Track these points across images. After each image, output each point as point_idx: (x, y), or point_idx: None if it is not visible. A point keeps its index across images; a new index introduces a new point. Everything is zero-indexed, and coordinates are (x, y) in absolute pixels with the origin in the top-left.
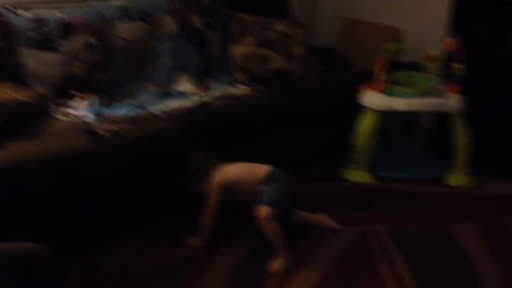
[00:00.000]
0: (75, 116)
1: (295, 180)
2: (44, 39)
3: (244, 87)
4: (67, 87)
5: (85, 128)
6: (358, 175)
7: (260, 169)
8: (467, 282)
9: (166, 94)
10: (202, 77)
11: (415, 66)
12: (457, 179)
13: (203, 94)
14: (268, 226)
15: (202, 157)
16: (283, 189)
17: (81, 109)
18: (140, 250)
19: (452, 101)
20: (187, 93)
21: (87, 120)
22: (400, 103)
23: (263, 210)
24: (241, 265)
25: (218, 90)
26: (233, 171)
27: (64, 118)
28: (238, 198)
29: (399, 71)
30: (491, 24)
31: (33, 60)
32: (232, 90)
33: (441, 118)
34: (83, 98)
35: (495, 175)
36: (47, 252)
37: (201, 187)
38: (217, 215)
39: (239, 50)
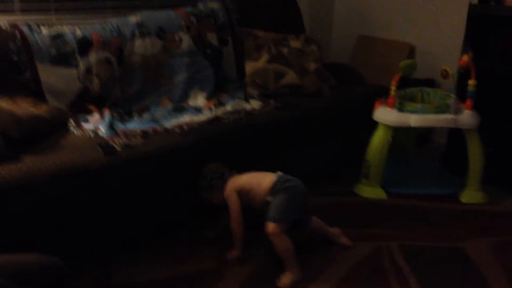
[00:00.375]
0: (89, 130)
1: (304, 186)
2: (63, 55)
3: (258, 102)
4: (83, 102)
5: (98, 142)
6: (370, 191)
7: (266, 179)
8: None
9: (181, 109)
10: (216, 93)
11: (430, 82)
12: (471, 196)
13: (216, 109)
14: (277, 241)
15: (216, 167)
16: (289, 200)
17: (95, 123)
18: (151, 263)
19: (465, 117)
20: (201, 108)
21: (100, 133)
22: (412, 119)
23: (270, 226)
24: (251, 280)
25: (231, 105)
26: (243, 179)
27: (79, 132)
28: (252, 206)
29: (413, 87)
30: (507, 40)
31: (51, 75)
32: (245, 105)
33: (455, 134)
34: (98, 113)
35: (509, 192)
36: (58, 264)
37: (217, 197)
38: (242, 219)
39: (253, 66)
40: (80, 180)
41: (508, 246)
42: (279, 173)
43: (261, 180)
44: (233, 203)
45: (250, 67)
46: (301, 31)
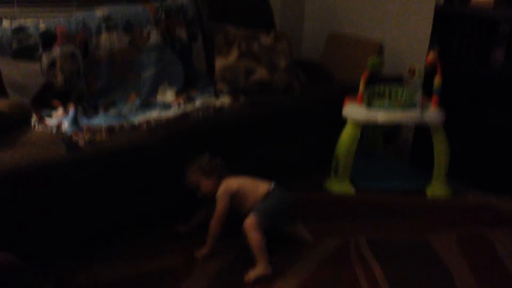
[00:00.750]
0: (52, 125)
1: (292, 199)
2: (25, 49)
3: (227, 98)
4: (47, 97)
5: (61, 137)
6: (340, 186)
7: (262, 186)
8: None
9: (149, 104)
10: (185, 88)
11: (398, 80)
12: (436, 190)
13: (185, 105)
14: (250, 234)
15: (221, 161)
16: (277, 205)
17: (59, 119)
18: (115, 261)
19: (431, 114)
20: (169, 104)
21: (63, 129)
22: (380, 116)
23: (250, 218)
24: (220, 275)
25: (200, 101)
26: (240, 182)
27: (41, 128)
28: (239, 210)
29: (381, 84)
30: (473, 38)
31: (13, 69)
32: (215, 101)
33: (422, 130)
34: (62, 108)
35: (473, 186)
36: (15, 262)
37: (206, 185)
38: (224, 221)
39: (223, 62)
40: (41, 176)
41: (471, 238)
42: (274, 182)
43: (257, 186)
44: (223, 206)
45: (220, 63)
46: (272, 27)
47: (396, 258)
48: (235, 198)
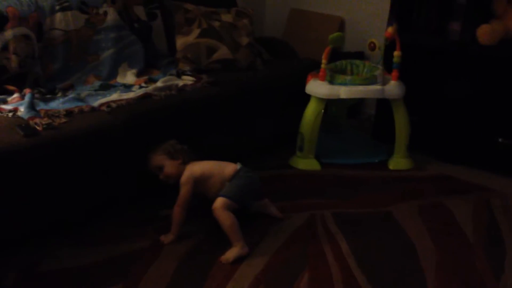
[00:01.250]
0: (8, 111)
1: (259, 179)
2: None
3: (189, 77)
4: (0, 81)
5: (17, 123)
6: (305, 163)
7: (228, 167)
8: (405, 258)
9: (108, 86)
10: (146, 69)
11: (359, 55)
12: (398, 162)
13: (146, 85)
14: (221, 216)
15: (182, 146)
16: (245, 185)
17: (14, 104)
18: (80, 247)
19: (392, 88)
20: (130, 85)
21: (20, 114)
22: (342, 91)
23: (219, 201)
24: (189, 256)
25: (162, 82)
26: (204, 166)
27: None
28: (206, 194)
29: (343, 60)
30: (431, 12)
31: None
32: (177, 81)
33: (383, 104)
34: (18, 93)
35: (433, 158)
36: None
37: (170, 168)
38: (188, 208)
39: (184, 41)
40: None
41: (432, 208)
42: (240, 164)
43: (224, 168)
44: (186, 191)
45: (181, 42)
46: (233, 4)
47: (360, 231)
48: (201, 182)
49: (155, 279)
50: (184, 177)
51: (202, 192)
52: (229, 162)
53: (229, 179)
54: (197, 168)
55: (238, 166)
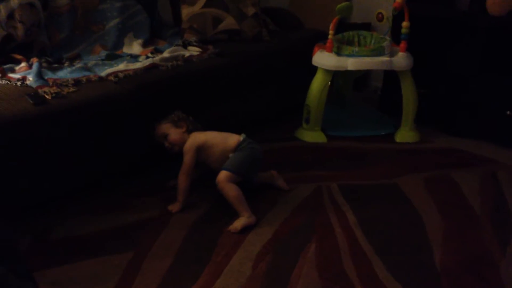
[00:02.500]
0: (16, 79)
1: (262, 150)
2: None
3: (195, 48)
4: (8, 50)
5: (26, 92)
6: (311, 135)
7: (231, 138)
8: (411, 230)
9: (115, 56)
10: (152, 39)
11: (366, 26)
12: (405, 135)
13: (152, 56)
14: (225, 189)
15: (187, 115)
16: (248, 157)
17: (22, 73)
18: (91, 215)
19: (400, 59)
20: (137, 56)
21: (28, 83)
22: (350, 62)
23: (222, 174)
24: (197, 225)
25: (168, 52)
26: (208, 135)
27: (4, 82)
28: (209, 164)
29: (351, 31)
30: None
31: None
32: (183, 52)
33: (390, 76)
34: (25, 61)
35: (440, 130)
36: None
37: (175, 136)
38: (193, 176)
39: (189, 11)
40: (9, 132)
41: (438, 180)
42: (244, 135)
43: (227, 138)
44: (189, 158)
45: (186, 12)
46: None
47: (367, 202)
48: (203, 151)
49: (165, 247)
50: (187, 145)
51: (205, 161)
52: (232, 133)
53: (232, 150)
54: (200, 136)
55: (241, 137)
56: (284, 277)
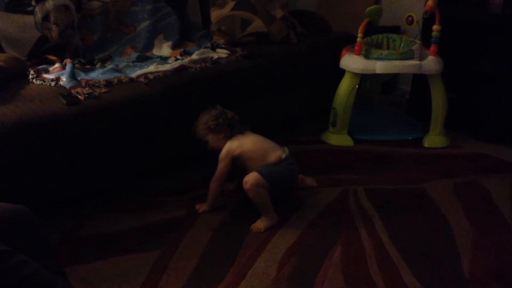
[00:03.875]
0: (50, 80)
1: (298, 170)
2: (17, 1)
3: (223, 50)
4: (42, 51)
5: (60, 92)
6: (338, 138)
7: (273, 155)
8: (439, 236)
9: (145, 58)
10: (181, 41)
11: (395, 29)
12: (433, 140)
13: (182, 58)
14: (252, 192)
15: (232, 116)
16: (283, 177)
17: (56, 73)
18: (119, 214)
19: (429, 63)
20: (166, 57)
21: (62, 83)
22: (378, 66)
23: (253, 175)
24: (223, 226)
25: (197, 54)
26: (247, 146)
27: (39, 82)
28: (243, 170)
29: (379, 34)
30: None
31: (7, 23)
32: (212, 54)
33: (419, 80)
34: (58, 62)
35: (469, 136)
36: (24, 211)
37: (213, 141)
38: (224, 182)
39: (218, 13)
40: (43, 131)
41: (467, 186)
42: (287, 150)
43: (267, 155)
44: (223, 167)
45: (215, 14)
46: None
47: (393, 207)
48: (240, 160)
49: (191, 247)
50: (223, 154)
51: (242, 167)
52: (275, 146)
53: (272, 164)
54: (237, 147)
55: (283, 154)
56: (308, 280)
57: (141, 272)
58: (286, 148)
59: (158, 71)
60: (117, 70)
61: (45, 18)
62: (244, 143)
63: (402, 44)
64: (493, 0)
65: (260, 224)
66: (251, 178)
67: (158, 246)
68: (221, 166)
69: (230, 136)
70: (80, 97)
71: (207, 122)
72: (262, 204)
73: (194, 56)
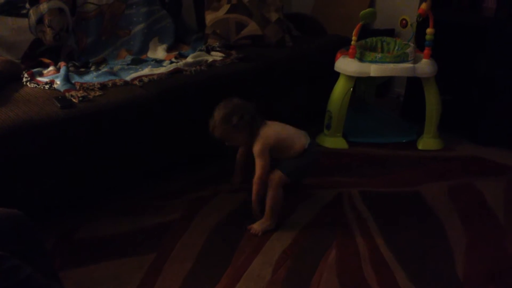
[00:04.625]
0: (44, 83)
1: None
2: (11, 4)
3: (219, 53)
4: (36, 54)
5: (54, 95)
6: (332, 141)
7: (299, 143)
8: (433, 238)
9: (140, 61)
10: (176, 44)
11: (389, 32)
12: (427, 142)
13: (176, 61)
14: (274, 191)
15: (251, 106)
16: (308, 164)
17: (50, 76)
18: (115, 217)
19: (423, 66)
20: (161, 60)
21: (56, 86)
22: (372, 69)
23: (278, 175)
24: (218, 229)
25: (192, 57)
26: (277, 134)
27: (33, 85)
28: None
29: (373, 37)
30: None
31: (1, 26)
32: (207, 57)
33: (413, 83)
34: (52, 65)
35: (464, 138)
36: (18, 215)
37: (238, 139)
38: (266, 180)
39: (213, 16)
40: (37, 134)
41: (461, 188)
42: (307, 136)
43: (294, 142)
44: (264, 161)
45: (210, 17)
46: None
47: (388, 210)
48: (272, 151)
49: (186, 250)
50: (258, 149)
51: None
52: (299, 132)
53: (298, 155)
54: (270, 136)
55: (307, 142)
56: (303, 283)
57: (135, 275)
58: (306, 133)
59: (153, 74)
60: (111, 73)
61: (40, 21)
62: (278, 132)
63: (396, 47)
64: (486, 3)
65: (259, 227)
66: (276, 176)
67: (153, 249)
68: (261, 161)
69: (255, 129)
70: (74, 100)
71: (230, 119)
72: (274, 206)
73: (189, 59)
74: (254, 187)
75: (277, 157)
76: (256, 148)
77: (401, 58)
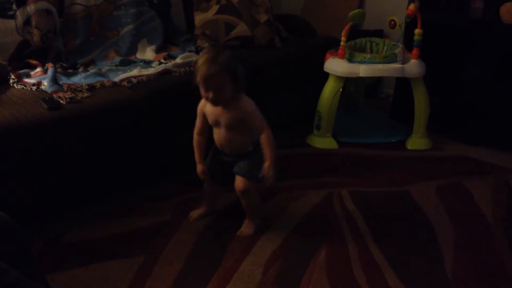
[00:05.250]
0: (31, 84)
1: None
2: None
3: None
4: (24, 56)
5: (41, 97)
6: (322, 141)
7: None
8: (422, 237)
9: (128, 62)
10: (165, 45)
11: (378, 33)
12: (416, 142)
13: (165, 62)
14: (249, 198)
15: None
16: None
17: (37, 78)
18: (103, 220)
19: (412, 66)
20: (150, 61)
21: (43, 88)
22: (361, 69)
23: (244, 183)
24: (208, 231)
25: (181, 58)
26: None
27: (19, 87)
28: (229, 144)
29: (362, 38)
30: None
31: None
32: (195, 58)
33: (402, 84)
34: (40, 67)
35: (452, 138)
36: (5, 219)
37: (229, 90)
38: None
39: (202, 17)
40: (24, 136)
41: (449, 188)
42: None
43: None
44: (264, 121)
45: (199, 18)
46: None
47: (377, 209)
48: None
49: (175, 252)
50: (253, 108)
51: (225, 134)
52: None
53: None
54: (251, 101)
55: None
56: (293, 284)
57: (125, 278)
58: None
59: (142, 75)
60: (100, 74)
61: (27, 22)
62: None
63: (385, 48)
64: (473, 4)
65: (247, 230)
66: (243, 185)
67: (143, 252)
68: (264, 121)
69: (239, 90)
70: (61, 101)
71: (235, 69)
72: (256, 209)
73: (178, 60)
74: (268, 147)
75: (237, 138)
76: (250, 107)
77: (390, 59)
